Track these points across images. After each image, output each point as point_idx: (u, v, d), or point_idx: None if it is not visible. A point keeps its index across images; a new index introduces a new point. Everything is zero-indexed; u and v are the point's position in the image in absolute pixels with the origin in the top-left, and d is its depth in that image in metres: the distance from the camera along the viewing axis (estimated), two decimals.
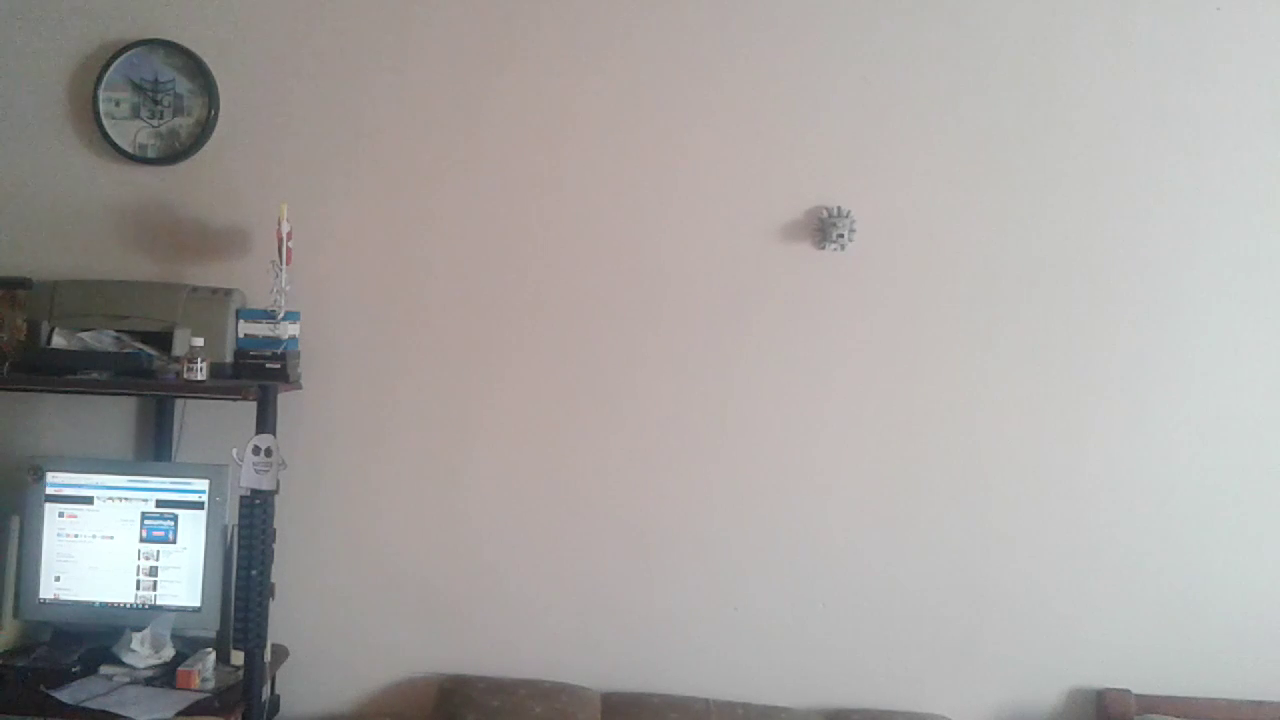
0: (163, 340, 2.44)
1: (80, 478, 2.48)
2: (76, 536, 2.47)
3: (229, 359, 2.48)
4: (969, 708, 2.66)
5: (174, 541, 2.46)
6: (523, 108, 2.67)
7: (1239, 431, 2.65)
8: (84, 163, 2.66)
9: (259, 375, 2.43)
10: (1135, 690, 2.60)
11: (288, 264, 2.47)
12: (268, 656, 2.36)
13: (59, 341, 2.43)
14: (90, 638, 2.45)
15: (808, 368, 2.67)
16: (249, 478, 2.29)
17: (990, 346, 2.66)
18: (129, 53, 2.63)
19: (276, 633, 2.49)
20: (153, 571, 2.46)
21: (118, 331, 2.46)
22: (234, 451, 2.29)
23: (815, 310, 2.66)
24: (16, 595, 2.44)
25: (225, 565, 2.43)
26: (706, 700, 2.58)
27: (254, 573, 2.29)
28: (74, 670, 2.33)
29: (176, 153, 2.64)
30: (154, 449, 2.62)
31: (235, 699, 2.26)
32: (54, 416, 2.65)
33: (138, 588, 2.46)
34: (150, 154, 2.64)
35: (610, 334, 2.67)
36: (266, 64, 2.67)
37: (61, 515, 2.47)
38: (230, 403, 2.42)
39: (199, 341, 2.37)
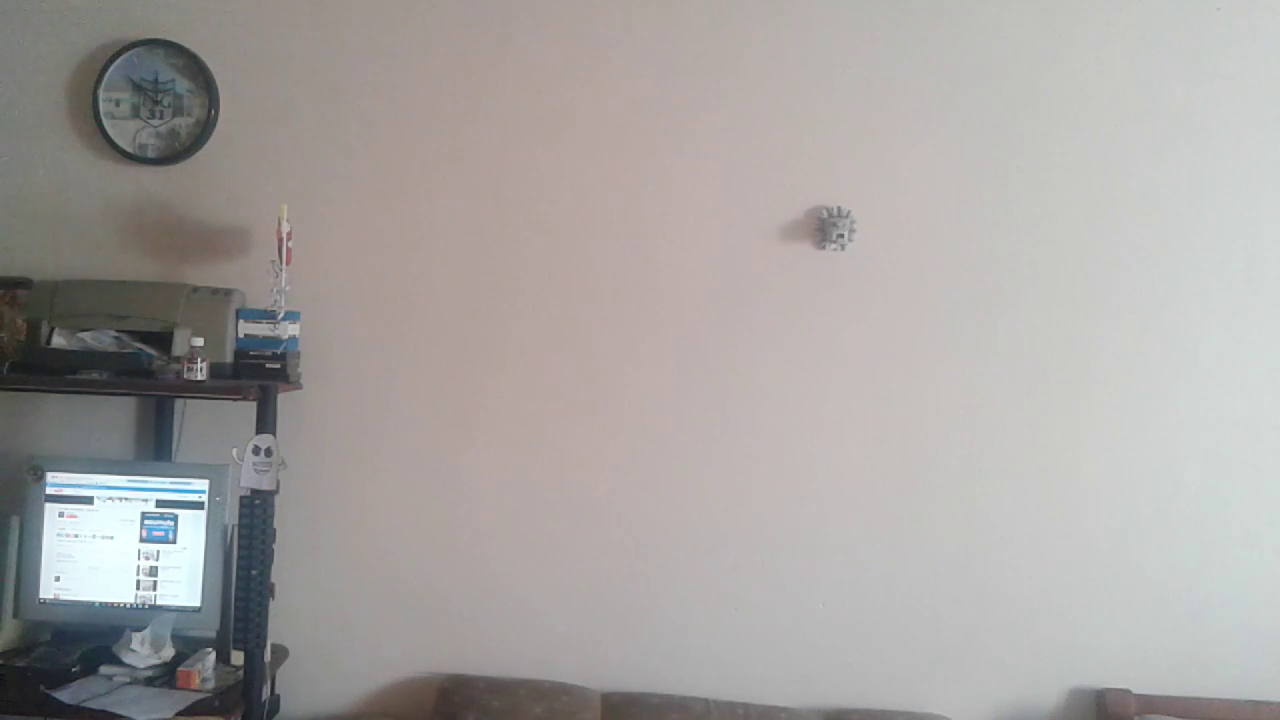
0: (163, 340, 2.44)
1: (80, 478, 2.48)
2: (76, 536, 2.47)
3: (229, 359, 2.48)
4: (969, 708, 2.66)
5: (174, 541, 2.46)
6: (522, 108, 2.67)
7: (1239, 431, 2.65)
8: (84, 163, 2.66)
9: (259, 375, 2.43)
10: (1135, 690, 2.60)
11: (288, 264, 2.47)
12: (268, 656, 2.36)
13: (59, 341, 2.43)
14: (90, 638, 2.45)
15: (807, 367, 2.67)
16: (249, 478, 2.29)
17: (990, 346, 2.66)
18: (129, 53, 2.63)
19: (276, 633, 2.49)
20: (153, 571, 2.46)
21: (118, 331, 2.45)
22: (234, 451, 2.30)
23: (815, 310, 2.67)
24: (16, 595, 2.44)
25: (225, 565, 2.43)
26: (706, 700, 2.58)
27: (254, 573, 2.29)
28: (74, 670, 2.33)
29: (176, 153, 2.64)
30: (154, 449, 2.62)
31: (235, 699, 2.26)
32: (54, 416, 2.65)
33: (138, 588, 2.46)
34: (150, 154, 2.64)
35: (610, 334, 2.67)
36: (266, 64, 2.67)
37: (61, 515, 2.47)
38: (230, 403, 2.42)
39: (199, 341, 2.37)
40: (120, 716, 2.12)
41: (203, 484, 2.47)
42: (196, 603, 2.44)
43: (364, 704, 2.67)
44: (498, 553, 2.68)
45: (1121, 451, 2.66)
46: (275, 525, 2.34)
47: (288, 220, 2.47)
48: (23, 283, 2.52)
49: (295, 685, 2.63)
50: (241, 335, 2.50)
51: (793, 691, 2.65)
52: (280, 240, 2.45)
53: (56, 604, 2.46)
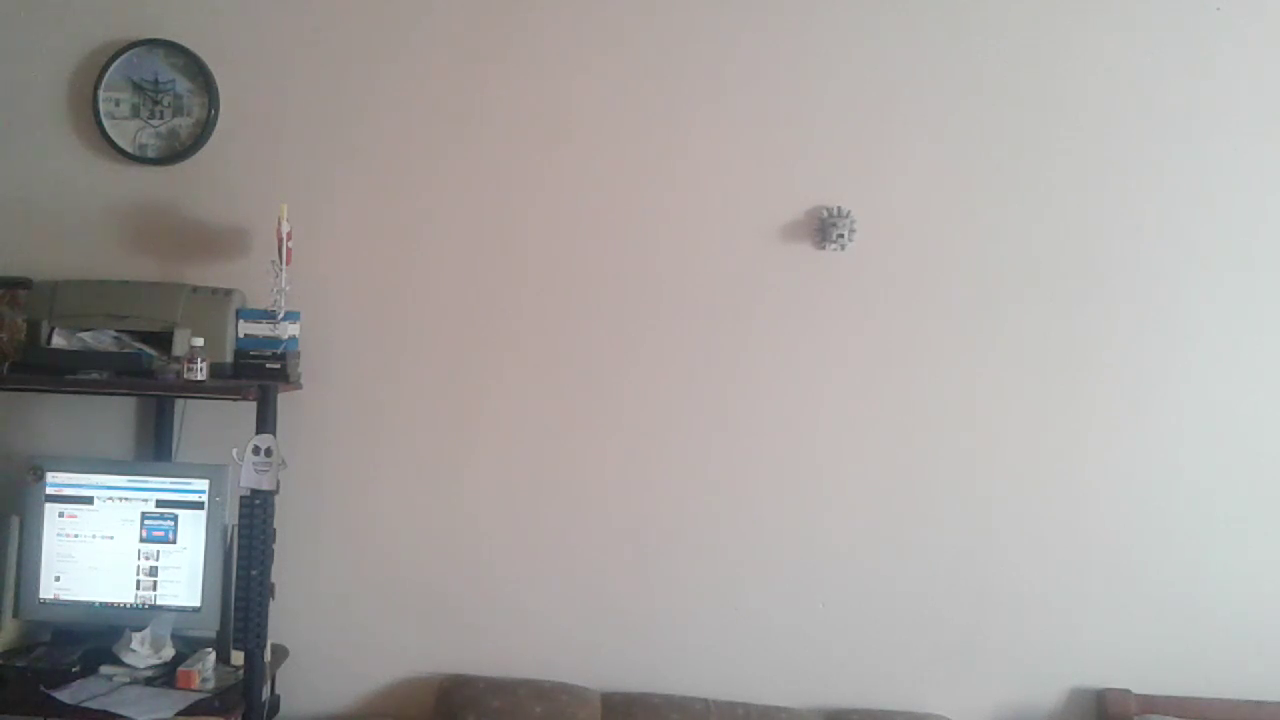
0: (163, 340, 2.44)
1: (80, 478, 2.48)
2: (76, 536, 2.47)
3: (229, 359, 2.48)
4: (969, 708, 2.66)
5: (174, 541, 2.46)
6: (522, 108, 2.67)
7: (1238, 431, 2.65)
8: (84, 163, 2.66)
9: (259, 375, 2.43)
10: (1135, 690, 2.60)
11: (288, 264, 2.47)
12: (268, 656, 2.36)
13: (59, 341, 2.43)
14: (90, 638, 2.45)
15: (807, 368, 2.67)
16: (249, 478, 2.29)
17: (990, 346, 2.66)
18: (129, 53, 2.63)
19: (276, 633, 2.49)
20: (153, 571, 2.46)
21: (118, 331, 2.45)
22: (234, 451, 2.30)
23: (815, 310, 2.66)
24: (16, 595, 2.44)
25: (225, 565, 2.43)
26: (706, 700, 2.58)
27: (254, 573, 2.29)
28: (74, 670, 2.33)
29: (176, 153, 2.64)
30: (154, 449, 2.62)
31: (235, 699, 2.26)
32: (54, 416, 2.65)
33: (138, 588, 2.46)
34: (150, 154, 2.64)
35: (610, 334, 2.67)
36: (266, 64, 2.67)
37: (61, 515, 2.47)
38: (230, 403, 2.42)
39: (199, 341, 2.37)
40: (120, 716, 2.12)
41: (203, 484, 2.47)
42: (196, 603, 2.44)
43: (364, 704, 2.67)
44: (498, 553, 2.68)
45: (1121, 452, 2.66)
46: (275, 525, 2.34)
47: (288, 220, 2.47)
48: (23, 283, 2.52)
49: (295, 685, 2.62)
50: (241, 335, 2.50)
51: (793, 691, 2.65)
52: (280, 240, 2.45)
53: (56, 604, 2.46)
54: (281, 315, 2.48)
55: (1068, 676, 2.67)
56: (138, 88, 2.64)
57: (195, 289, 2.52)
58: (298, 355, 2.58)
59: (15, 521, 2.46)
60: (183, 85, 2.64)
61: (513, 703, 2.50)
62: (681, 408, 2.67)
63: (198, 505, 2.47)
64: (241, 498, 2.31)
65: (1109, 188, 2.66)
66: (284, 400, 2.42)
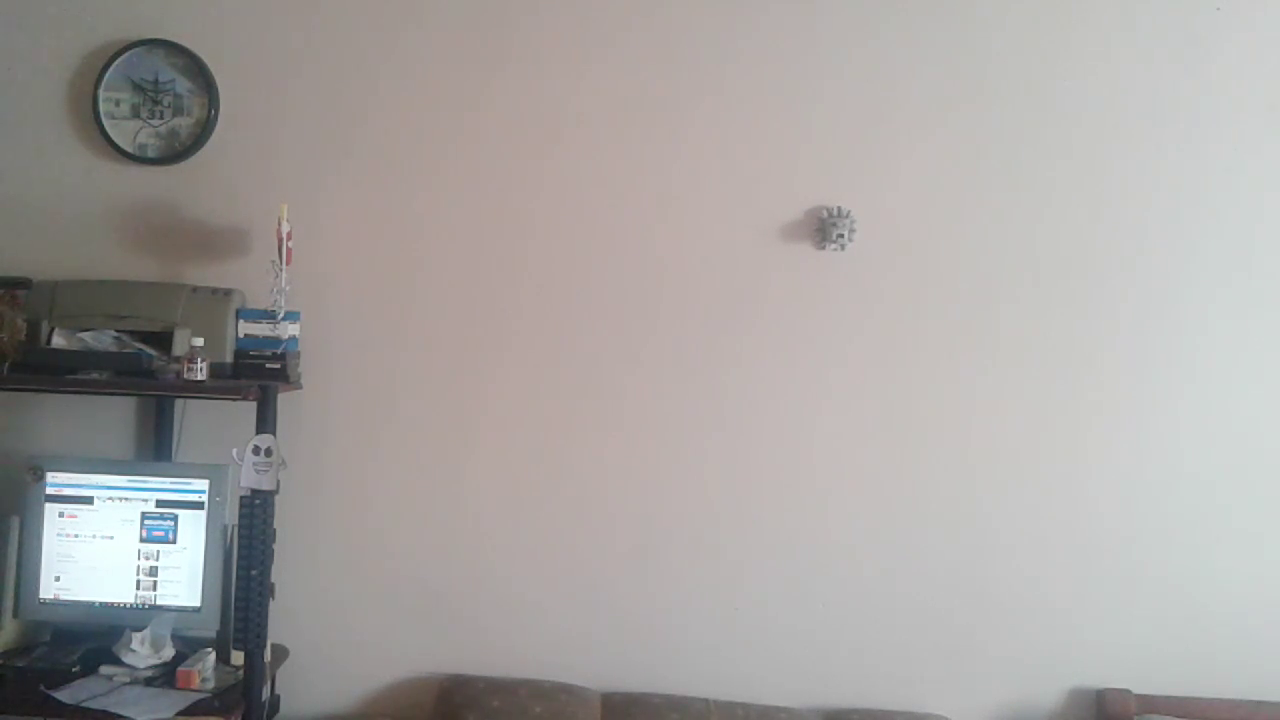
0: (163, 340, 2.44)
1: (80, 478, 2.48)
2: (76, 536, 2.47)
3: (229, 359, 2.48)
4: (969, 708, 2.66)
5: (174, 541, 2.46)
6: (521, 108, 2.67)
7: (1239, 431, 2.65)
8: (84, 163, 2.66)
9: (259, 375, 2.43)
10: (1135, 690, 2.60)
11: (288, 264, 2.47)
12: (268, 656, 2.36)
13: (59, 341, 2.43)
14: (90, 638, 2.45)
15: (807, 368, 2.67)
16: (249, 478, 2.29)
17: (990, 346, 2.67)
18: (129, 53, 2.63)
19: (276, 633, 2.49)
20: (153, 571, 2.46)
21: (118, 331, 2.46)
22: (234, 451, 2.30)
23: (815, 310, 2.67)
24: (16, 595, 2.44)
25: (225, 565, 2.43)
26: (706, 700, 2.58)
27: (254, 573, 2.29)
28: (74, 670, 2.33)
29: (176, 153, 2.64)
30: (154, 449, 2.62)
31: (235, 699, 2.26)
32: (54, 416, 2.65)
33: (138, 588, 2.46)
34: (150, 154, 2.64)
35: (610, 334, 2.67)
36: (266, 64, 2.67)
37: (61, 515, 2.47)
38: (230, 403, 2.42)
39: (199, 341, 2.37)
40: (120, 716, 2.12)
41: (203, 484, 2.47)
42: (196, 603, 2.44)
43: (364, 704, 2.67)
44: (498, 553, 2.68)
45: (1121, 451, 2.66)
46: (275, 525, 2.34)
47: (288, 220, 2.47)
48: (23, 283, 2.52)
49: (295, 685, 2.63)
50: (241, 335, 2.50)
51: (793, 691, 2.65)
52: (280, 240, 2.45)
53: (56, 604, 2.46)
54: (281, 315, 2.48)
55: (1068, 676, 2.67)
56: (138, 88, 2.64)
57: (195, 289, 2.52)
58: (298, 355, 2.58)
59: (15, 521, 2.46)
60: (183, 85, 2.64)
61: (513, 703, 2.50)
62: (681, 407, 2.67)
63: (198, 505, 2.47)
64: (241, 498, 2.31)
65: (1109, 187, 2.66)
66: (284, 400, 2.42)
